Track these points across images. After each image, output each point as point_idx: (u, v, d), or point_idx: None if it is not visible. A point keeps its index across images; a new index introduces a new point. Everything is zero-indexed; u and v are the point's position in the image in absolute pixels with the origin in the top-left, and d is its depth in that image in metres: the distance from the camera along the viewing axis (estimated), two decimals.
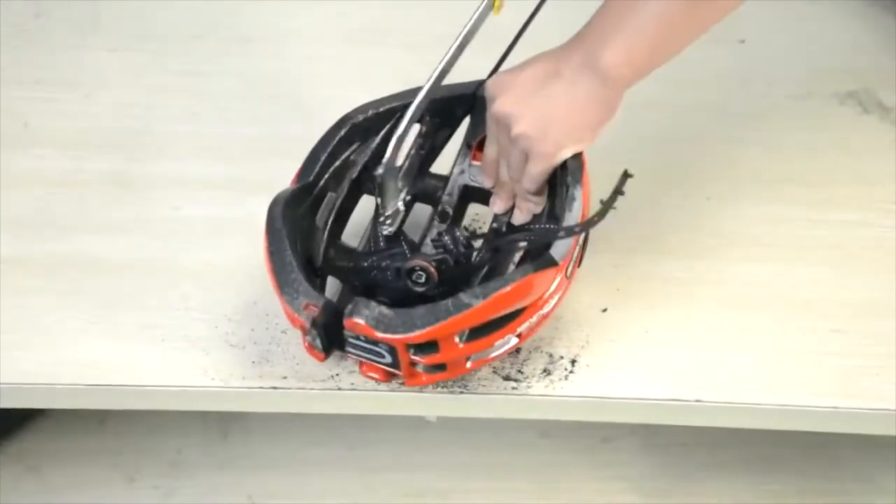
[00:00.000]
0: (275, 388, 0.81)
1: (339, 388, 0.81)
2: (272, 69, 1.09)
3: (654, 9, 0.74)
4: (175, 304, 0.87)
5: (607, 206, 0.75)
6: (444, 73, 0.80)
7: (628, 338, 0.85)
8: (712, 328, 0.86)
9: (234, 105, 1.05)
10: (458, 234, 0.79)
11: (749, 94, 1.08)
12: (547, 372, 0.82)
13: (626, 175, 0.76)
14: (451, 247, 0.78)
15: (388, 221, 0.83)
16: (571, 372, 0.82)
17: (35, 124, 1.02)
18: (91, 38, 1.12)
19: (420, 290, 0.77)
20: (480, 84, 0.82)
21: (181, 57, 1.10)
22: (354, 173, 0.85)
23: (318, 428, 1.17)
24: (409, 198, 0.85)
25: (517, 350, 0.83)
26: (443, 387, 0.81)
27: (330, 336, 0.75)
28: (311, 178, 0.82)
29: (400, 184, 0.83)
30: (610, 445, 1.17)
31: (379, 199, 0.82)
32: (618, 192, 0.75)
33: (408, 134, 0.81)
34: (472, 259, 0.79)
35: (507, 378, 0.82)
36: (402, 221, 0.84)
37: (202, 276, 0.89)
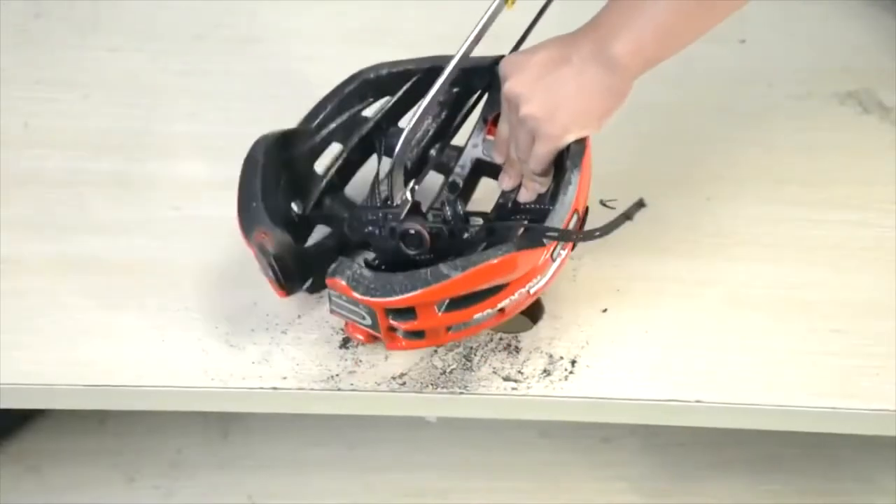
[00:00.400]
0: (275, 388, 0.81)
1: (339, 389, 0.81)
2: (272, 69, 1.08)
3: (664, 1, 0.74)
4: (175, 304, 0.86)
5: (612, 225, 0.76)
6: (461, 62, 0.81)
7: (628, 338, 0.85)
8: (712, 328, 0.86)
9: (234, 105, 1.05)
10: (459, 207, 0.80)
11: (749, 94, 1.08)
12: (547, 372, 0.82)
13: (640, 204, 0.77)
14: (450, 218, 0.79)
15: (397, 210, 0.83)
16: (571, 372, 0.82)
17: (35, 124, 1.02)
18: (91, 38, 1.12)
19: (411, 252, 0.77)
20: (499, 59, 0.82)
21: (181, 57, 1.10)
22: (365, 129, 0.85)
23: (318, 428, 1.16)
24: (417, 187, 0.85)
25: (517, 350, 0.83)
26: (443, 387, 0.81)
27: (286, 271, 0.76)
28: (314, 125, 0.83)
29: (409, 164, 0.83)
30: (610, 445, 1.17)
31: (388, 189, 0.82)
32: (626, 216, 0.77)
33: (422, 124, 0.82)
34: (468, 235, 0.80)
35: (507, 378, 0.82)
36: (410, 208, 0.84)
37: (202, 276, 0.89)
